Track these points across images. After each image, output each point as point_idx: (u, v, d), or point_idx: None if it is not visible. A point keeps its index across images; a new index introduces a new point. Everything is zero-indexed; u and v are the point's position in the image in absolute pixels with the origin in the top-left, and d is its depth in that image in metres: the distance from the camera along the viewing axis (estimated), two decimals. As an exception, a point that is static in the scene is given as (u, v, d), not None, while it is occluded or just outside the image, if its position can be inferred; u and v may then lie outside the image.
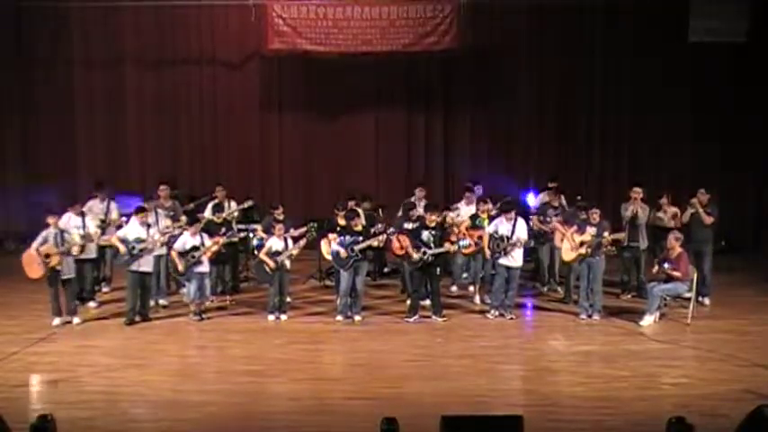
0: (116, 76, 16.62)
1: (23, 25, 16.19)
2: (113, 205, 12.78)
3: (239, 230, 12.82)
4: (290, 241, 11.66)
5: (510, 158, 17.01)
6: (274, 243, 11.61)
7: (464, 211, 13.03)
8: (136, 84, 16.71)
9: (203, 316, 11.59)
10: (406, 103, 16.87)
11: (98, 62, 16.55)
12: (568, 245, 11.82)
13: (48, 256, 10.96)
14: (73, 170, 16.61)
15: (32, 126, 16.70)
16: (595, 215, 11.64)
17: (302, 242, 11.74)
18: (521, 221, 11.76)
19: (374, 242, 11.68)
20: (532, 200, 14.39)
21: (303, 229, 12.08)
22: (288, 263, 11.60)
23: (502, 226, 11.69)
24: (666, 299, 11.67)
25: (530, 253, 13.52)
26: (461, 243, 11.86)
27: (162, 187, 12.96)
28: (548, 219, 12.88)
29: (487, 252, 11.87)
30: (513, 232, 11.55)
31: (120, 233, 11.47)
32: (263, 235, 12.34)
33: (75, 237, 11.18)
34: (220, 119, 16.88)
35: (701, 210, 12.34)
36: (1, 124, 16.68)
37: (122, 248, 11.24)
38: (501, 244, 11.59)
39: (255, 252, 12.24)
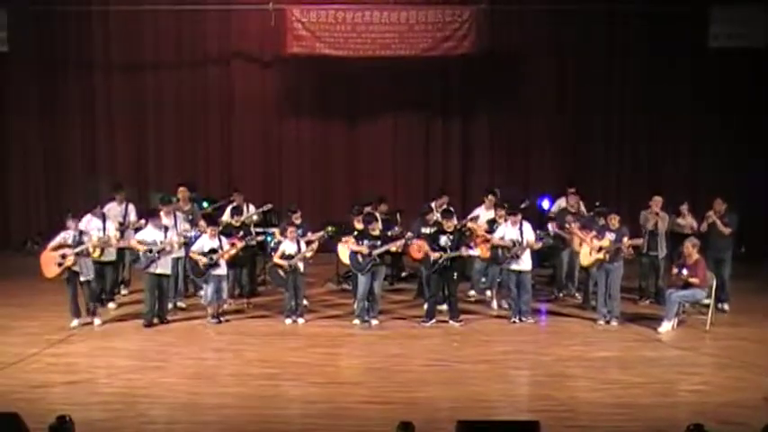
0: (136, 79, 16.77)
1: (44, 28, 16.36)
2: (131, 208, 12.86)
3: (257, 234, 12.87)
4: (303, 244, 11.68)
5: (528, 163, 16.99)
6: (287, 246, 11.62)
7: (483, 216, 12.99)
8: (156, 87, 16.84)
9: (221, 319, 11.63)
10: (424, 107, 16.88)
11: (119, 64, 16.71)
12: (587, 249, 11.78)
13: (64, 256, 11.06)
14: (94, 172, 16.70)
15: (54, 128, 16.84)
16: (615, 221, 11.59)
17: (315, 245, 11.76)
18: (526, 224, 11.71)
19: (392, 247, 11.69)
20: (547, 204, 14.35)
21: (319, 233, 12.11)
22: (302, 266, 11.61)
23: (509, 231, 11.67)
24: (685, 305, 11.61)
25: (546, 257, 13.50)
26: (470, 252, 11.81)
27: (180, 189, 13.03)
28: (567, 224, 12.82)
29: (494, 255, 11.80)
30: (521, 236, 11.54)
31: (138, 236, 11.55)
32: (280, 238, 12.39)
33: (94, 239, 11.28)
34: (238, 122, 16.95)
35: (718, 222, 12.26)
36: (23, 127, 16.84)
37: (141, 250, 11.32)
38: (512, 249, 11.56)
39: (272, 255, 12.28)
